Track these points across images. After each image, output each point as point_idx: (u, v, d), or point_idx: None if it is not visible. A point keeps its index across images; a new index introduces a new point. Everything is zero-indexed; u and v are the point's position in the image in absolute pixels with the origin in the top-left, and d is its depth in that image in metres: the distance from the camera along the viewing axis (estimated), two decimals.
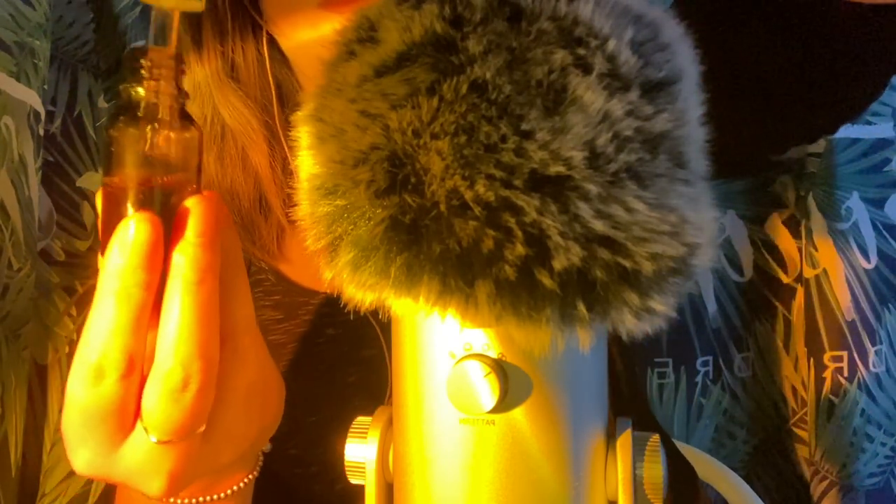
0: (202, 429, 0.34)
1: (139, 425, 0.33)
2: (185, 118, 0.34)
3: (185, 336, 0.32)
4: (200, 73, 0.56)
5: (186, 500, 0.40)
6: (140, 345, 0.32)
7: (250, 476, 0.42)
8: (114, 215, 0.33)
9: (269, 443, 0.43)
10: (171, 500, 0.39)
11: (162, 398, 0.32)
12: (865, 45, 0.50)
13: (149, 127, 0.33)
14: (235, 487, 0.41)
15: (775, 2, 0.50)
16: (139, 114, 0.33)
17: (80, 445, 0.33)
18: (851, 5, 0.47)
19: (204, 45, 0.56)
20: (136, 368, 0.32)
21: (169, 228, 0.32)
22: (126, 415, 0.33)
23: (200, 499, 0.40)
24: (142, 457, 0.33)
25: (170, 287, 0.32)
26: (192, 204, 0.33)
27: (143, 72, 0.33)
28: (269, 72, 0.57)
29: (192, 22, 0.56)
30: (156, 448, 0.33)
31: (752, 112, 0.55)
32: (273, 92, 0.57)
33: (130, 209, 0.32)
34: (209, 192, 0.34)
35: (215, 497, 0.40)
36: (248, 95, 0.57)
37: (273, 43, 0.56)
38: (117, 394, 0.32)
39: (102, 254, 0.33)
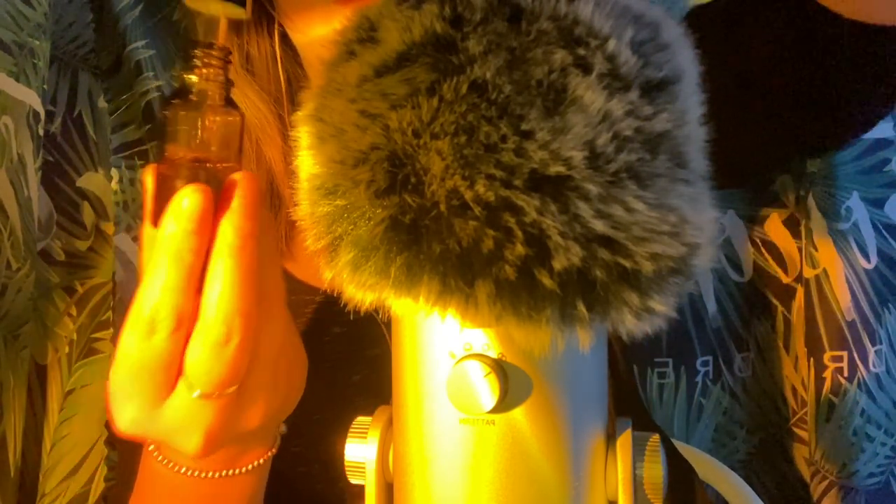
0: (236, 387, 0.36)
1: (181, 384, 0.35)
2: (230, 104, 0.37)
3: (227, 295, 0.34)
4: None
5: (210, 474, 0.41)
6: (188, 304, 0.35)
7: (270, 453, 0.44)
8: (165, 189, 0.36)
9: (284, 424, 0.45)
10: (198, 474, 0.41)
11: (205, 352, 0.34)
12: (872, 64, 0.50)
13: (199, 110, 0.36)
14: (256, 463, 0.43)
15: (785, 19, 0.50)
16: (192, 98, 0.37)
17: (127, 401, 0.35)
18: (858, 25, 0.47)
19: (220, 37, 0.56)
20: (184, 325, 0.35)
21: (216, 200, 0.35)
22: (171, 371, 0.35)
23: (224, 473, 0.42)
24: (182, 413, 0.36)
25: (216, 251, 0.35)
26: (236, 178, 0.36)
27: (196, 61, 0.36)
28: (280, 66, 0.57)
29: None
30: (196, 404, 0.35)
31: (759, 126, 0.56)
32: (284, 86, 0.57)
33: (180, 183, 0.35)
34: (247, 171, 0.37)
35: (237, 472, 0.42)
36: (262, 89, 0.57)
37: (284, 37, 0.56)
38: (166, 349, 0.34)
39: (154, 224, 0.35)
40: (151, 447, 0.42)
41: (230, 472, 0.42)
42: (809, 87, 0.52)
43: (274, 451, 0.44)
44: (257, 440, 0.42)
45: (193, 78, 0.36)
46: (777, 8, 0.52)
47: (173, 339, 0.34)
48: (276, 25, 0.57)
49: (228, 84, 0.37)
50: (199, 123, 0.36)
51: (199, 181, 0.35)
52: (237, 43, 0.57)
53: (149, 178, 0.37)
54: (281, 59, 0.58)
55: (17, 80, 0.70)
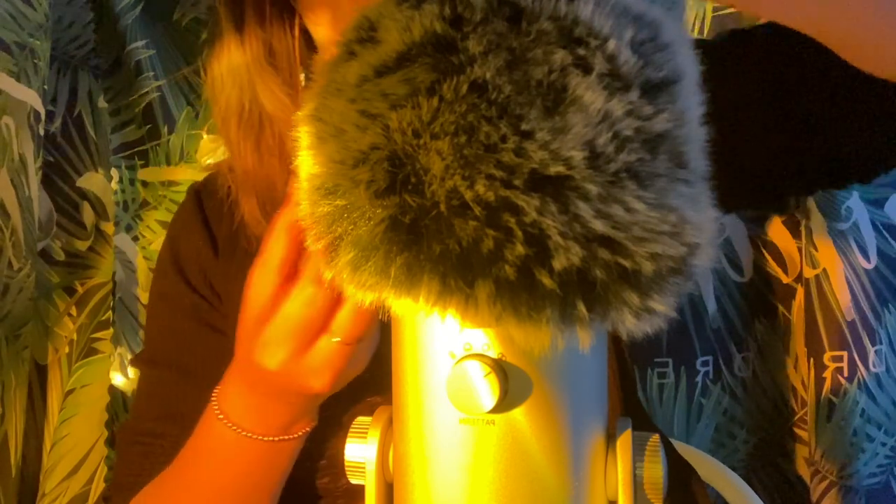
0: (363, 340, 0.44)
1: (323, 337, 0.44)
2: None
3: None
4: (240, 59, 0.57)
5: (268, 438, 0.49)
6: None
7: (312, 425, 0.51)
8: None
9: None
10: (257, 437, 0.49)
11: (351, 311, 0.43)
12: (881, 115, 0.51)
13: None
14: (301, 432, 0.50)
15: (823, 59, 0.51)
16: None
17: (280, 348, 0.44)
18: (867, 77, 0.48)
19: (245, 29, 0.57)
20: (337, 295, 0.42)
21: None
22: (322, 328, 0.44)
23: (278, 438, 0.50)
24: (321, 356, 0.44)
25: None
26: None
27: None
28: (297, 61, 0.58)
29: (235, 7, 0.57)
30: (333, 349, 0.44)
31: (794, 148, 0.56)
32: (303, 82, 0.58)
33: None
34: None
35: (287, 438, 0.50)
36: (284, 82, 0.58)
37: (305, 32, 0.57)
38: (321, 313, 0.43)
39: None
40: (221, 416, 0.49)
41: (283, 437, 0.50)
42: (847, 117, 0.53)
43: (314, 424, 0.51)
44: (305, 413, 0.50)
45: None
46: (787, 52, 0.53)
47: (327, 306, 0.43)
48: (297, 20, 0.58)
49: None
50: None
51: None
52: (262, 36, 0.57)
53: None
54: (300, 54, 0.58)
55: (18, 79, 0.70)
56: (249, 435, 0.49)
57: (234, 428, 0.49)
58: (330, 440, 0.56)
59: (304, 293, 0.44)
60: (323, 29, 0.53)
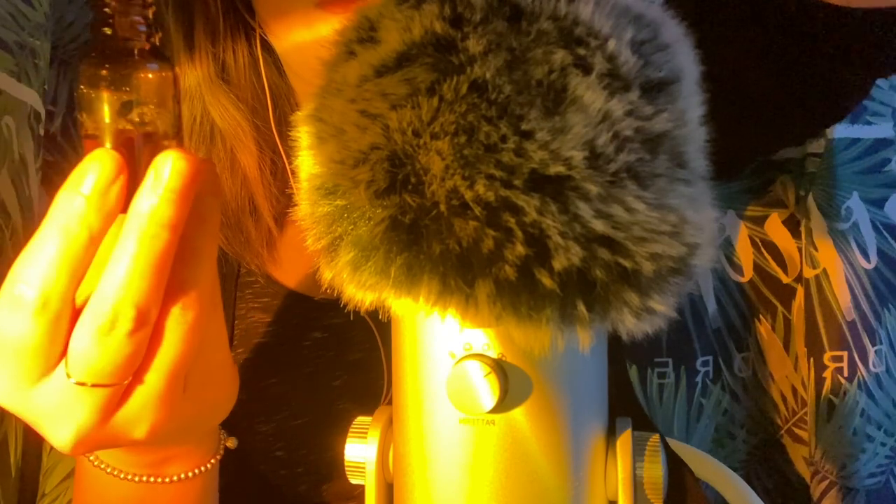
0: (125, 382, 0.33)
1: (61, 366, 0.32)
2: (157, 56, 0.32)
3: (125, 283, 0.31)
4: (192, 76, 0.56)
5: (131, 477, 0.40)
6: (73, 283, 0.32)
7: (201, 468, 0.42)
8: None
9: (233, 438, 0.43)
10: (119, 475, 0.40)
11: (86, 335, 0.31)
12: (847, 50, 0.50)
13: (119, 67, 0.31)
14: (182, 475, 0.41)
15: (758, 7, 0.51)
16: (108, 53, 0.31)
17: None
18: (833, 10, 0.47)
19: (195, 46, 0.55)
20: (63, 306, 0.32)
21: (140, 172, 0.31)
22: (47, 353, 0.32)
23: (145, 479, 0.40)
24: (56, 398, 0.32)
25: (123, 232, 0.31)
26: (168, 156, 0.31)
27: (107, 10, 0.31)
28: (262, 74, 0.57)
29: (185, 23, 0.55)
30: (71, 391, 0.32)
31: (734, 116, 0.56)
32: (267, 94, 0.57)
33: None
34: (196, 156, 0.33)
35: (160, 481, 0.40)
36: (238, 98, 0.57)
37: (265, 45, 0.56)
38: (38, 329, 0.31)
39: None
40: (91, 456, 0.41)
41: (152, 479, 0.40)
42: (783, 74, 0.52)
43: (208, 466, 0.42)
44: (181, 452, 0.41)
45: (108, 31, 0.31)
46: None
47: (46, 320, 0.31)
48: (256, 33, 0.56)
49: (152, 32, 0.32)
50: (121, 83, 0.31)
51: (132, 152, 0.31)
52: (212, 52, 0.56)
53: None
54: (263, 66, 0.57)
55: (19, 80, 0.70)
56: (109, 472, 0.40)
57: (95, 461, 0.41)
58: (306, 447, 0.54)
59: (8, 299, 0.32)
60: (282, 41, 0.51)
